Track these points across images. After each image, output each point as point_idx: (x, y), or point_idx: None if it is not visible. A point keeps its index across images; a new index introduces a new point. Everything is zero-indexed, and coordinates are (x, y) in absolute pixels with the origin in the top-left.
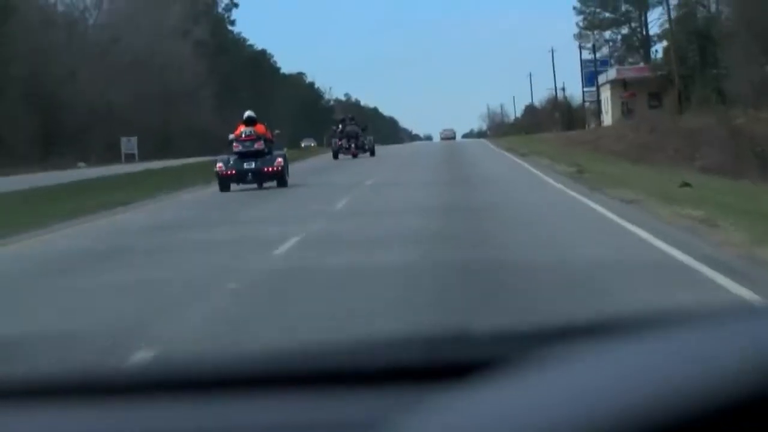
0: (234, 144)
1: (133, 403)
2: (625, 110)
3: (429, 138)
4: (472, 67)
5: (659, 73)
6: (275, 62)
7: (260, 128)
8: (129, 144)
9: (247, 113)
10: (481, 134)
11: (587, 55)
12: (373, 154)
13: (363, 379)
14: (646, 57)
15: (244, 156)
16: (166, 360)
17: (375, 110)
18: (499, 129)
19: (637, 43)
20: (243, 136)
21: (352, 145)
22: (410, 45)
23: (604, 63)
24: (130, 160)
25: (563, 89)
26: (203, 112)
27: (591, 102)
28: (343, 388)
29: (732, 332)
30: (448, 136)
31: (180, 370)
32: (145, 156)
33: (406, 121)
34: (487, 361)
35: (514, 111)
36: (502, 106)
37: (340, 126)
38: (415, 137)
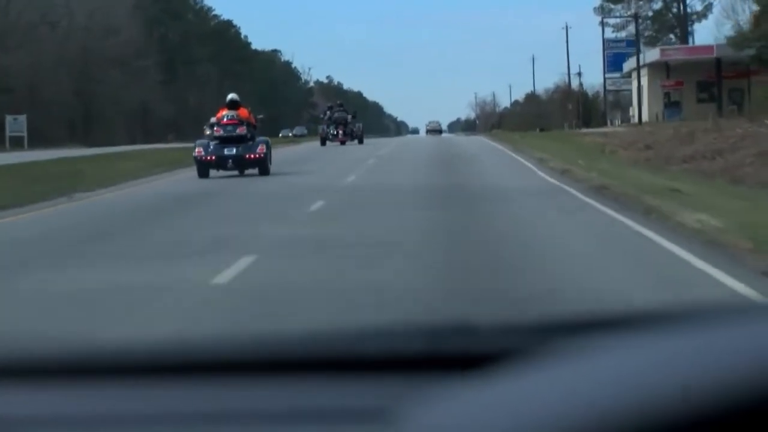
0: (215, 128)
1: (137, 384)
2: (668, 102)
3: (416, 131)
4: (463, 52)
5: (745, 52)
6: (246, 37)
7: (243, 112)
8: (16, 124)
9: (230, 96)
10: (469, 125)
11: (611, 33)
12: (361, 141)
13: (366, 367)
14: (683, 38)
15: (225, 141)
16: (171, 342)
17: (359, 95)
18: (489, 120)
19: (673, 22)
20: (225, 119)
21: (340, 132)
22: (398, 28)
23: (630, 44)
24: (18, 145)
25: (579, 75)
26: (142, 89)
27: (615, 91)
28: (345, 376)
29: (741, 330)
30: (435, 128)
31: (184, 353)
32: (54, 141)
33: (391, 108)
34: (492, 354)
35: (510, 98)
36: (494, 95)
37: (328, 112)
38: (401, 125)
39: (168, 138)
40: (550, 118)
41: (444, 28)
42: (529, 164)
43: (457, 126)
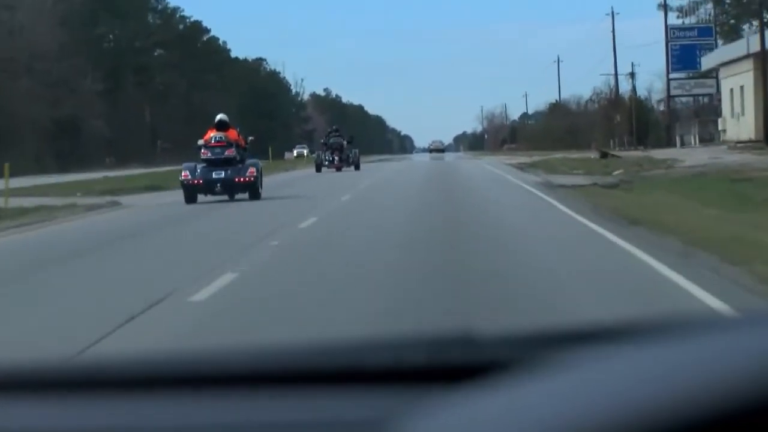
0: (202, 150)
1: (136, 397)
2: None
3: (421, 150)
4: (471, 65)
5: None
6: (224, 43)
7: (232, 134)
8: None
9: (219, 116)
10: (476, 140)
11: (675, 19)
12: (357, 168)
13: (368, 378)
14: None
15: (213, 164)
16: (171, 354)
17: (360, 108)
18: (498, 134)
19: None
20: (213, 141)
21: (336, 158)
22: (401, 42)
23: (705, 32)
24: None
25: (632, 75)
26: (70, 101)
27: (681, 96)
28: (347, 387)
29: (738, 339)
30: (438, 148)
31: (184, 366)
32: None
33: (395, 121)
34: (493, 364)
35: (526, 108)
36: (505, 107)
37: (326, 138)
38: (405, 139)
39: (106, 162)
40: (585, 133)
41: (450, 42)
42: None
43: (462, 140)
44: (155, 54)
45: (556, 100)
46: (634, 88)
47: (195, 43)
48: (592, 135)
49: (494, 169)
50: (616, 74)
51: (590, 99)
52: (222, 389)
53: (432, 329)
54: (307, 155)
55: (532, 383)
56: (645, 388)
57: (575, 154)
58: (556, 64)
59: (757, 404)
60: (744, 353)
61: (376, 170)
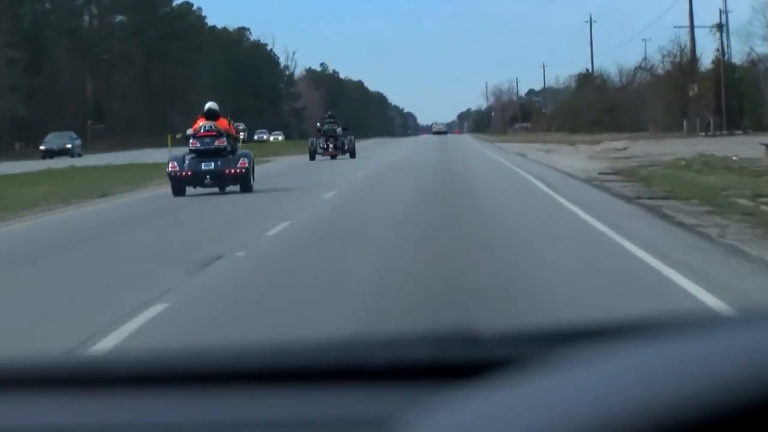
0: (191, 141)
1: (141, 394)
2: None
3: (427, 130)
4: (478, 40)
5: None
6: (198, 9)
7: (223, 123)
8: None
9: (209, 105)
10: (481, 118)
11: None
12: (353, 155)
13: (370, 376)
14: None
15: (202, 155)
16: (174, 351)
17: (359, 84)
18: (506, 111)
19: None
20: (202, 131)
21: (331, 146)
22: (404, 18)
23: None
24: None
25: (720, 28)
26: None
27: None
28: (350, 385)
29: (739, 337)
30: (440, 130)
31: (189, 362)
32: None
33: (397, 98)
34: (497, 362)
35: (544, 83)
36: (516, 81)
37: (318, 124)
38: (408, 117)
39: (15, 148)
40: (631, 111)
41: (454, 17)
42: None
43: (467, 118)
44: (115, 19)
45: (587, 70)
46: (722, 47)
47: (155, 7)
48: (645, 113)
49: (580, 211)
50: (692, 24)
51: (639, 66)
52: (225, 386)
53: (435, 327)
54: (245, 137)
55: (536, 381)
56: (647, 386)
57: (665, 146)
58: (588, 24)
59: (756, 403)
60: (746, 352)
61: (370, 160)
